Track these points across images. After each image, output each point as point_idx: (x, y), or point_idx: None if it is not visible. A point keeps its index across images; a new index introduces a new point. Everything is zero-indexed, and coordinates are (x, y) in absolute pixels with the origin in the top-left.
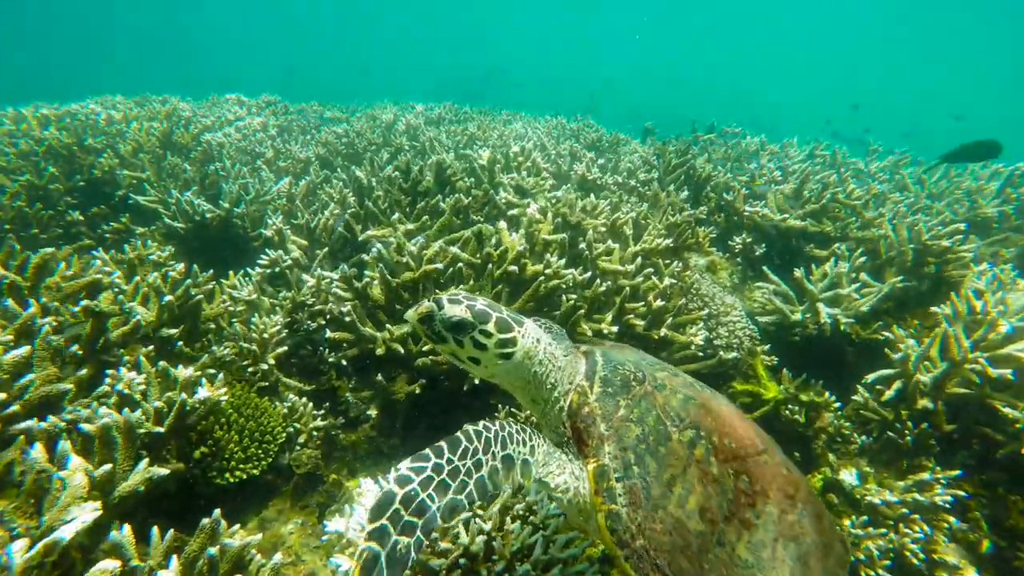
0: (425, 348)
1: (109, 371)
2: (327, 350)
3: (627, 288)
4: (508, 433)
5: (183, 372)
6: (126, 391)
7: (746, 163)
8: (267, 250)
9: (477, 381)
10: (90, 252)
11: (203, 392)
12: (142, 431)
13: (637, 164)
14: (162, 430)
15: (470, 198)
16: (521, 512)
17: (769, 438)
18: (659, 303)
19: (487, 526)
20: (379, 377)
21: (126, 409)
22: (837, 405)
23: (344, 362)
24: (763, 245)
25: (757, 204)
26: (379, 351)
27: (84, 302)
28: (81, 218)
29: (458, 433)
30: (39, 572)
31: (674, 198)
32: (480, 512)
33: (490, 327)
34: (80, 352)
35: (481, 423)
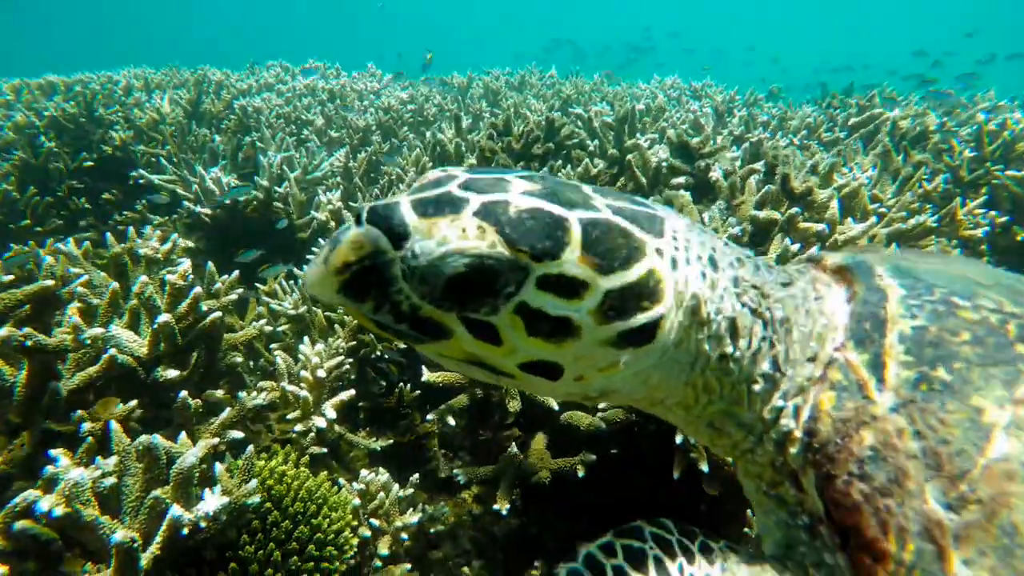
0: (604, 407)
1: (53, 453)
2: (407, 384)
3: None
4: None
5: (182, 455)
6: (59, 511)
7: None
8: (321, 240)
9: (705, 468)
10: (64, 240)
11: (211, 501)
12: None
13: (820, 119)
14: (143, 565)
15: (598, 167)
16: None
17: None
18: None
19: None
20: (513, 450)
21: None
22: None
23: (451, 419)
24: None
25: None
26: (512, 406)
27: (4, 331)
28: (88, 206)
29: None
30: None
31: (920, 157)
32: None
33: (571, 260)
34: (14, 417)
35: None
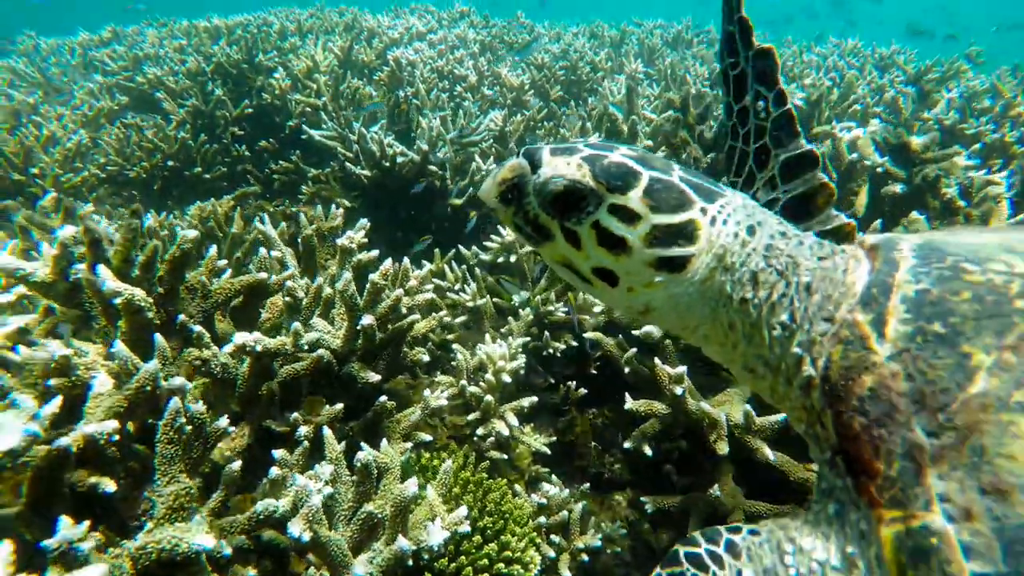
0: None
1: (278, 455)
2: (574, 383)
3: None
4: None
5: (391, 469)
6: (307, 537)
7: None
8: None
9: None
10: (261, 217)
11: (436, 535)
12: None
13: None
14: None
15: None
16: None
17: None
18: None
19: None
20: (715, 492)
21: None
22: None
23: (647, 448)
24: None
25: None
26: (720, 448)
27: (238, 337)
28: (248, 154)
29: None
30: None
31: None
32: None
33: (634, 198)
34: (235, 406)
35: None
